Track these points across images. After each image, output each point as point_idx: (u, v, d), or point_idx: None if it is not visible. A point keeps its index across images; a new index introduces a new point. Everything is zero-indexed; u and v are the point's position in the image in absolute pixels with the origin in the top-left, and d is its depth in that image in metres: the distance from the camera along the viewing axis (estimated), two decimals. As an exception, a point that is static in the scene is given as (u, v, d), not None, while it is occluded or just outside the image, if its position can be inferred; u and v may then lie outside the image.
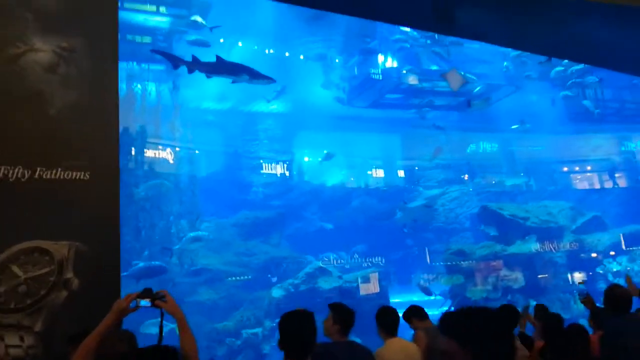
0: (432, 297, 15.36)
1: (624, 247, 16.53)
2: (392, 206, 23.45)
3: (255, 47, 21.26)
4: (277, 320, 3.16)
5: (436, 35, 18.93)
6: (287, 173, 24.56)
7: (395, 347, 4.53)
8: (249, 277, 15.39)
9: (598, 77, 19.34)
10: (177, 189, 16.43)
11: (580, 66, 18.92)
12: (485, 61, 19.23)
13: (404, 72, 20.48)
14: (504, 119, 23.21)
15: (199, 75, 16.85)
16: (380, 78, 20.22)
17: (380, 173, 26.70)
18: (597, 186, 25.61)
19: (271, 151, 23.96)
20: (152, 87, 19.12)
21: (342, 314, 4.07)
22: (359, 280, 14.99)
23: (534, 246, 15.20)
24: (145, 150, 18.11)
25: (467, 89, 20.38)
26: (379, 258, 21.27)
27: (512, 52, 20.27)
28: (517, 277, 13.86)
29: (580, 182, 25.91)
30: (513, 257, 14.96)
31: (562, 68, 20.17)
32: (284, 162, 24.77)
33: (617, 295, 4.51)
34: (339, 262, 20.10)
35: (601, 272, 15.62)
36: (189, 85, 21.74)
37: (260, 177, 23.27)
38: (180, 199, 16.28)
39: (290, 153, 24.94)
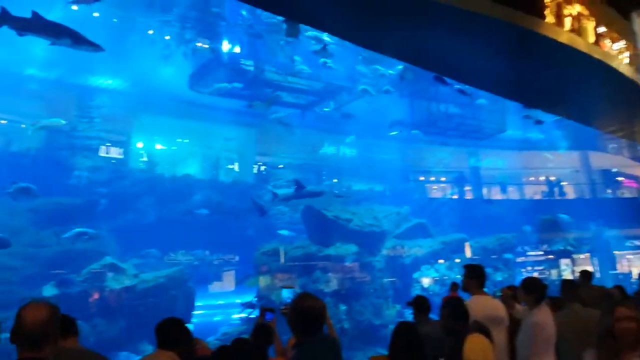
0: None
1: (444, 255, 16.77)
2: (239, 203, 22.09)
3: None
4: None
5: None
6: (121, 158, 22.12)
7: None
8: (30, 272, 12.95)
9: (434, 87, 19.60)
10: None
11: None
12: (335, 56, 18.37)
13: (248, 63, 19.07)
14: (358, 122, 23.04)
15: (21, 39, 14.17)
16: (224, 63, 18.64)
17: (229, 167, 25.31)
18: (439, 195, 26.59)
19: (104, 132, 21.33)
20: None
21: None
22: (161, 280, 13.26)
23: (353, 249, 14.72)
24: None
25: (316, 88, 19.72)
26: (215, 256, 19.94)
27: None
28: (329, 280, 13.17)
29: (424, 192, 26.72)
30: (329, 259, 14.33)
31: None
32: (119, 145, 22.30)
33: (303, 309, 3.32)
34: (162, 258, 18.31)
35: (417, 278, 15.64)
36: (6, 45, 18.58)
37: (86, 160, 20.54)
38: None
39: (127, 136, 22.50)
